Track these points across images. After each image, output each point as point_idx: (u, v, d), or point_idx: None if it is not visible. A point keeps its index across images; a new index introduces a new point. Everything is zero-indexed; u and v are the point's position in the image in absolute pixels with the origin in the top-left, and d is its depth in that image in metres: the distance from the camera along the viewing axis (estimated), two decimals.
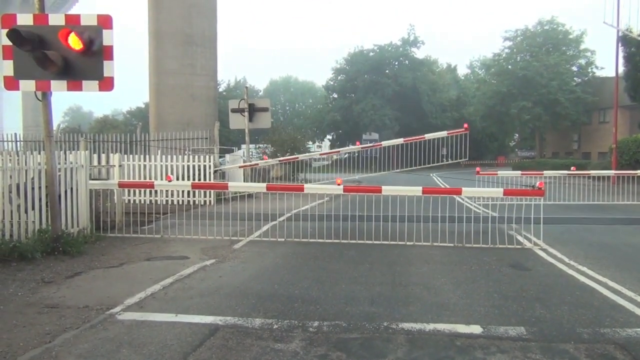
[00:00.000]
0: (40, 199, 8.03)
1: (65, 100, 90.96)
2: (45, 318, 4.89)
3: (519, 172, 19.94)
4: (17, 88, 7.30)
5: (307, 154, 23.03)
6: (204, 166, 15.04)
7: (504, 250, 8.40)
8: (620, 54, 24.69)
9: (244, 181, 16.53)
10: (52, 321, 4.79)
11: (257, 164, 16.80)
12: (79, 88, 7.35)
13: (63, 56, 7.05)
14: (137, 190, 14.45)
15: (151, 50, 23.75)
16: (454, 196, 13.95)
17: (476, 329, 4.65)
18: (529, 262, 7.52)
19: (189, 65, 23.37)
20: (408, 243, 8.85)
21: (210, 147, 17.44)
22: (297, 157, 18.66)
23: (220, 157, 17.60)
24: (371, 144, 18.68)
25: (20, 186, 7.89)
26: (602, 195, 13.38)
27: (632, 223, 11.18)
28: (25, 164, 7.97)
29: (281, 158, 18.54)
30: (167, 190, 14.12)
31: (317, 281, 6.38)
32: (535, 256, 7.98)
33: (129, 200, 13.69)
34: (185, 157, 15.36)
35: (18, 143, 19.23)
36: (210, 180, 14.88)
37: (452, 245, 8.75)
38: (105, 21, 7.20)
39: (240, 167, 16.87)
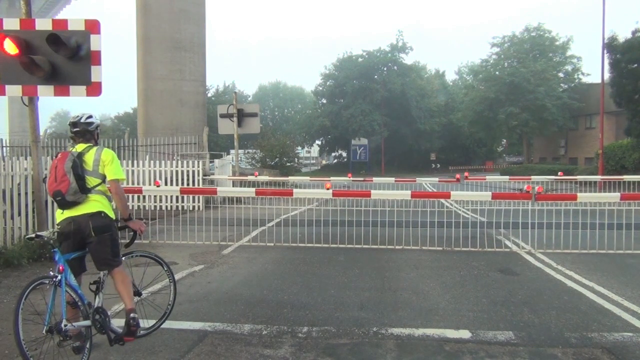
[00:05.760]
0: (26, 205, 7.95)
1: (52, 106, 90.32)
2: (32, 325, 4.82)
3: (507, 177, 20.11)
4: (3, 93, 7.23)
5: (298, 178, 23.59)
6: (193, 171, 14.98)
7: (493, 254, 8.45)
8: (606, 61, 24.96)
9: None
10: (39, 329, 4.73)
11: (247, 178, 16.68)
12: (66, 93, 7.30)
13: (50, 61, 7.00)
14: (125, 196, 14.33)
15: (139, 55, 23.63)
16: (443, 201, 14.03)
17: (465, 334, 4.67)
18: (517, 267, 7.57)
19: (177, 71, 23.28)
20: (397, 247, 8.86)
21: (198, 152, 17.36)
22: (288, 179, 19.99)
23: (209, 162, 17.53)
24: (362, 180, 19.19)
25: (6, 192, 7.80)
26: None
27: (618, 228, 11.28)
28: (12, 170, 7.89)
29: (272, 178, 18.84)
30: (155, 196, 14.03)
31: (307, 287, 6.37)
32: (523, 261, 8.03)
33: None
34: (174, 162, 15.28)
35: (4, 149, 19.00)
36: (199, 185, 14.81)
37: (440, 249, 8.78)
38: (93, 26, 7.16)
39: (229, 178, 16.79)
